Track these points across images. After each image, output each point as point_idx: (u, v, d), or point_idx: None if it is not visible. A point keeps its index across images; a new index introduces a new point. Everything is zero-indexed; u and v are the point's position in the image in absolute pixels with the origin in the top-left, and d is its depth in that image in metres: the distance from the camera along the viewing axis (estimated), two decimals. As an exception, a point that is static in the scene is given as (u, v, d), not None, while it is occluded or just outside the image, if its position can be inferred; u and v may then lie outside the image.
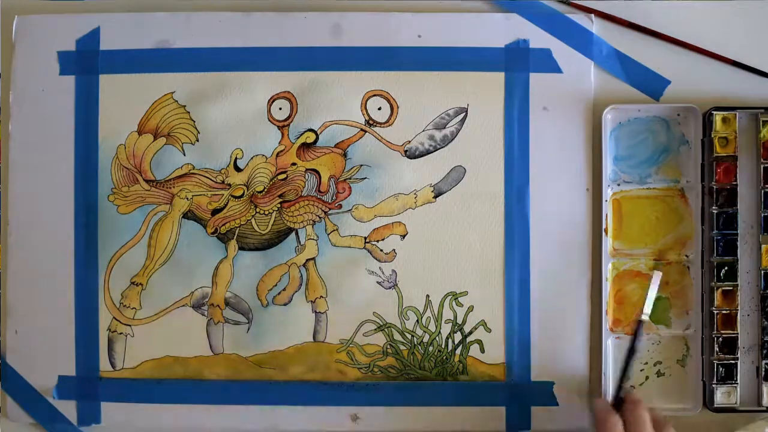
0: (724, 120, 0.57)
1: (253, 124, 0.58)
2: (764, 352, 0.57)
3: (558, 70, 0.58)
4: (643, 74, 0.58)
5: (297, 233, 0.58)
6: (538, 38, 0.58)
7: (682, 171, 0.58)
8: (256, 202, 0.59)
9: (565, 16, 0.58)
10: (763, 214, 0.57)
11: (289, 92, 0.59)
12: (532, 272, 0.57)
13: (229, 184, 0.59)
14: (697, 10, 0.59)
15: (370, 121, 0.58)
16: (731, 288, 0.57)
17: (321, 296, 0.58)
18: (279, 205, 0.59)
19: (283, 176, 0.59)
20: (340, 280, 0.58)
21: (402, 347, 0.58)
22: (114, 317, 0.59)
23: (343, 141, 0.58)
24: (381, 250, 0.58)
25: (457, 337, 0.58)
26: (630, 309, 0.58)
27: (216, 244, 0.59)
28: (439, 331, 0.58)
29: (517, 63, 0.58)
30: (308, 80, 0.58)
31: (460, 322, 0.58)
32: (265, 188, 0.59)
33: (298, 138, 0.59)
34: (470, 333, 0.58)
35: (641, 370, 0.58)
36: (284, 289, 0.58)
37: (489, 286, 0.57)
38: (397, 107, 0.58)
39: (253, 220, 0.59)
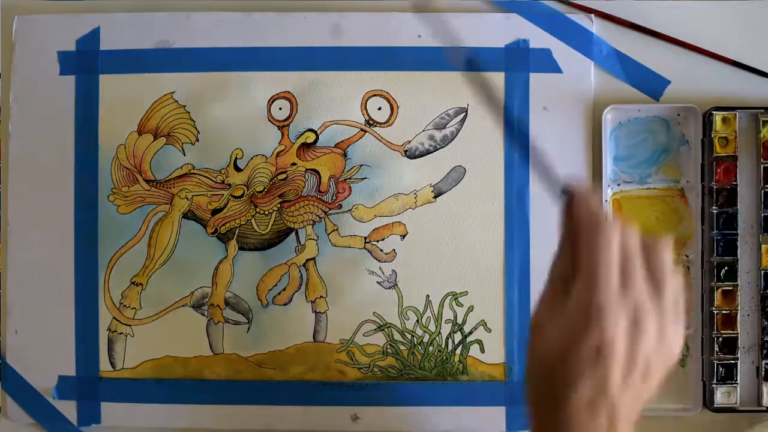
0: (724, 120, 0.57)
1: (253, 124, 0.58)
2: (764, 352, 0.57)
3: (558, 70, 0.58)
4: (643, 74, 0.58)
5: (297, 233, 0.58)
6: (538, 38, 0.58)
7: (682, 171, 0.58)
8: (256, 202, 0.59)
9: (565, 16, 0.58)
10: (763, 214, 0.57)
11: (289, 92, 0.59)
12: (532, 272, 0.57)
13: (229, 184, 0.59)
14: (697, 10, 0.59)
15: (370, 121, 0.58)
16: (731, 288, 0.57)
17: (321, 296, 0.58)
18: (279, 205, 0.59)
19: (283, 176, 0.59)
20: (340, 280, 0.58)
21: (402, 347, 0.58)
22: (114, 317, 0.59)
23: (343, 141, 0.58)
24: (381, 250, 0.58)
25: (457, 337, 0.58)
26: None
27: (216, 244, 0.59)
28: (439, 331, 0.58)
29: (517, 63, 0.58)
30: (308, 80, 0.58)
31: (460, 322, 0.58)
32: (265, 188, 0.59)
33: (298, 138, 0.59)
34: (470, 333, 0.58)
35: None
36: (284, 289, 0.58)
37: (489, 286, 0.57)
38: (397, 107, 0.58)
39: (253, 220, 0.59)
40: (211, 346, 0.58)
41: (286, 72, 0.58)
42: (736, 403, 0.56)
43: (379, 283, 0.58)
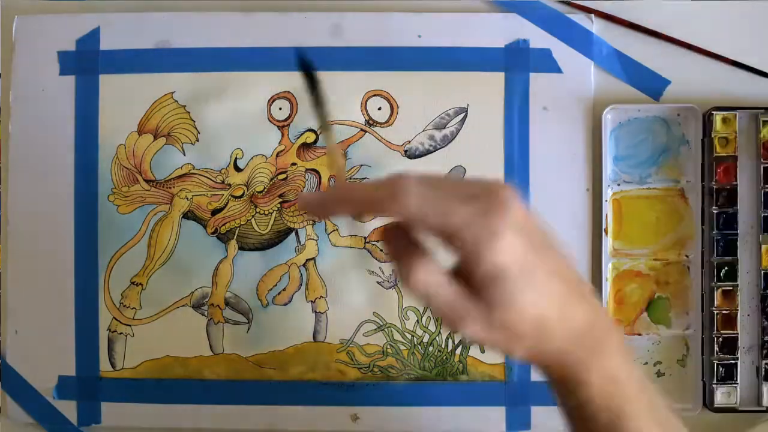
0: (724, 120, 0.57)
1: (253, 124, 0.58)
2: (764, 352, 0.57)
3: (558, 70, 0.58)
4: (643, 74, 0.58)
5: (297, 233, 0.58)
6: (538, 38, 0.58)
7: (682, 171, 0.58)
8: (256, 202, 0.59)
9: (565, 16, 0.58)
10: (763, 214, 0.57)
11: (289, 92, 0.59)
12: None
13: (229, 184, 0.59)
14: (697, 10, 0.59)
15: (370, 121, 0.58)
16: (731, 288, 0.57)
17: (321, 296, 0.58)
18: (279, 205, 0.59)
19: (283, 176, 0.59)
20: (340, 280, 0.58)
21: (402, 347, 0.58)
22: (114, 317, 0.59)
23: (343, 141, 0.58)
24: (381, 250, 0.58)
25: (457, 337, 0.58)
26: (630, 309, 0.58)
27: (216, 244, 0.59)
28: (439, 331, 0.58)
29: (517, 63, 0.58)
30: (308, 80, 0.58)
31: (460, 322, 0.58)
32: (265, 188, 0.59)
33: (298, 138, 0.59)
34: (470, 333, 0.58)
35: (641, 370, 0.58)
36: (284, 289, 0.58)
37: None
38: (397, 107, 0.58)
39: (253, 220, 0.59)
40: (211, 346, 0.58)
41: (286, 72, 0.58)
42: (736, 403, 0.56)
43: (379, 283, 0.58)
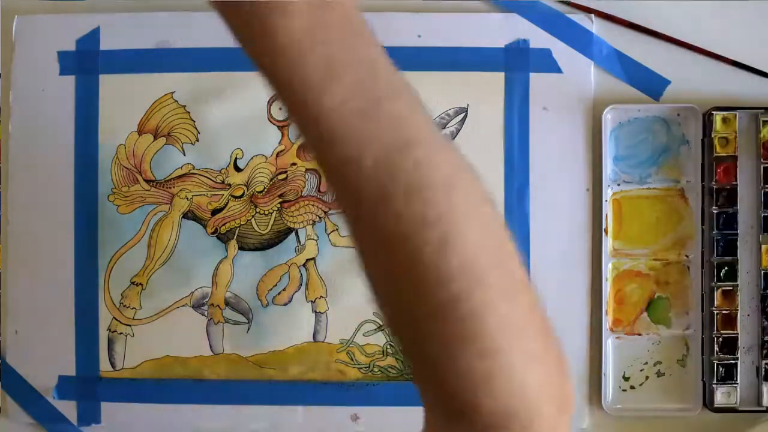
0: (724, 120, 0.57)
1: (253, 124, 0.58)
2: (764, 352, 0.57)
3: (558, 70, 0.58)
4: (643, 74, 0.58)
5: (297, 233, 0.58)
6: (538, 38, 0.58)
7: (682, 171, 0.58)
8: (256, 202, 0.59)
9: (565, 16, 0.58)
10: (763, 214, 0.57)
11: (289, 92, 0.58)
12: (532, 272, 0.57)
13: (229, 184, 0.59)
14: (697, 10, 0.58)
15: (370, 121, 0.58)
16: (731, 288, 0.57)
17: (321, 296, 0.58)
18: (279, 205, 0.59)
19: (283, 176, 0.59)
20: (340, 280, 0.58)
21: (402, 347, 0.58)
22: (114, 317, 0.59)
23: (343, 141, 0.58)
24: (381, 250, 0.58)
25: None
26: (630, 309, 0.58)
27: (216, 244, 0.59)
28: (439, 331, 0.58)
29: (517, 63, 0.58)
30: (308, 80, 0.58)
31: (460, 322, 0.58)
32: (265, 188, 0.59)
33: (299, 138, 0.58)
34: (470, 333, 0.58)
35: (641, 370, 0.58)
36: (284, 289, 0.58)
37: (489, 286, 0.57)
38: (397, 107, 0.58)
39: (253, 220, 0.59)
40: (211, 346, 0.58)
41: (286, 72, 0.58)
42: (736, 403, 0.56)
43: (379, 283, 0.58)
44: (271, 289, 0.58)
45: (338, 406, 0.58)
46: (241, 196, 0.59)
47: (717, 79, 0.58)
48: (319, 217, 0.58)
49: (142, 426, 0.58)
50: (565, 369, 0.31)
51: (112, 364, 0.59)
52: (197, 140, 0.59)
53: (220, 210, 0.59)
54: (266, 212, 0.59)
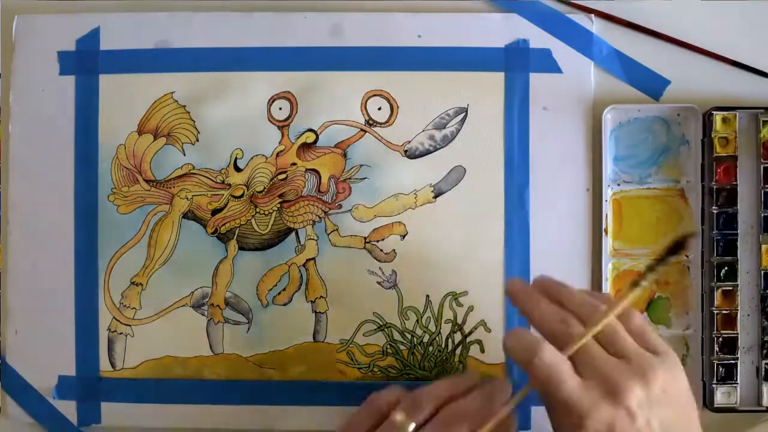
0: (724, 120, 0.57)
1: (253, 124, 0.59)
2: (764, 352, 0.57)
3: (558, 70, 0.58)
4: (643, 74, 0.58)
5: (297, 233, 0.58)
6: (538, 38, 0.58)
7: (682, 171, 0.58)
8: (256, 202, 0.59)
9: (565, 16, 0.58)
10: (763, 214, 0.57)
11: (289, 92, 0.59)
12: (532, 272, 0.57)
13: (229, 184, 0.59)
14: (697, 10, 0.59)
15: (370, 121, 0.58)
16: (731, 288, 0.57)
17: (321, 296, 0.58)
18: (279, 205, 0.59)
19: (283, 176, 0.59)
20: (340, 280, 0.58)
21: (402, 347, 0.58)
22: (114, 317, 0.59)
23: (343, 141, 0.58)
24: (381, 250, 0.58)
25: (457, 337, 0.58)
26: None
27: (216, 244, 0.59)
28: (439, 331, 0.58)
29: (517, 63, 0.58)
30: (308, 80, 0.58)
31: (460, 322, 0.58)
32: (265, 188, 0.59)
33: (298, 138, 0.59)
34: (470, 333, 0.58)
35: (641, 370, 0.57)
36: (284, 289, 0.58)
37: (489, 286, 0.57)
38: (397, 107, 0.58)
39: (253, 220, 0.59)
40: (211, 346, 0.58)
41: (286, 72, 0.58)
42: (736, 403, 0.56)
43: (379, 283, 0.58)
44: (271, 289, 0.58)
45: (338, 406, 0.58)
46: (241, 196, 0.59)
47: (717, 79, 0.58)
48: (319, 217, 0.58)
49: (142, 426, 0.59)
50: None
51: (112, 364, 0.59)
52: (197, 140, 0.59)
53: (220, 210, 0.59)
54: (266, 212, 0.59)
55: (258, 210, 0.59)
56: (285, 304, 0.58)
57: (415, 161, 0.58)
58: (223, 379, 0.58)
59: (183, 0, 0.60)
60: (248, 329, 0.58)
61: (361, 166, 0.58)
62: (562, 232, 0.57)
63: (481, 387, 0.45)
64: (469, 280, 0.58)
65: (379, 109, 0.58)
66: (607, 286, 0.57)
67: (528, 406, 0.57)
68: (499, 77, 0.58)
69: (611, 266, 0.58)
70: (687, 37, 0.58)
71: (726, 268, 0.57)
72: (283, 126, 0.59)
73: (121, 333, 0.59)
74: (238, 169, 0.59)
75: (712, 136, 0.57)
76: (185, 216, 0.59)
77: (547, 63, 0.58)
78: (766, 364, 0.57)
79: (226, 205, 0.59)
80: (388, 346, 0.58)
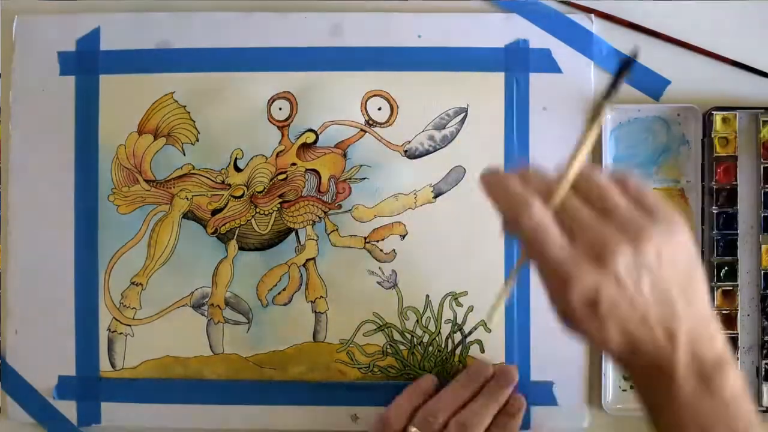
0: (724, 120, 0.57)
1: (253, 124, 0.59)
2: (764, 352, 0.57)
3: (558, 70, 0.58)
4: (643, 74, 0.58)
5: (297, 233, 0.58)
6: (538, 38, 0.58)
7: (682, 171, 0.58)
8: (256, 202, 0.59)
9: (565, 16, 0.58)
10: (763, 214, 0.57)
11: (289, 92, 0.59)
12: (532, 272, 0.57)
13: (229, 185, 0.59)
14: (697, 10, 0.59)
15: (370, 122, 0.58)
16: (731, 288, 0.57)
17: (321, 296, 0.58)
18: (279, 205, 0.59)
19: (283, 176, 0.59)
20: (340, 280, 0.58)
21: (402, 347, 0.58)
22: (114, 317, 0.59)
23: (343, 141, 0.58)
24: (381, 250, 0.58)
25: (457, 337, 0.58)
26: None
27: (216, 244, 0.59)
28: (439, 331, 0.58)
29: (517, 63, 0.58)
30: (308, 80, 0.58)
31: (460, 322, 0.58)
32: (265, 188, 0.59)
33: (298, 138, 0.59)
34: (470, 333, 0.58)
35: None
36: (284, 289, 0.58)
37: (489, 286, 0.57)
38: (397, 107, 0.58)
39: (253, 220, 0.59)
40: (211, 346, 0.58)
41: (286, 72, 0.58)
42: (736, 403, 0.56)
43: (379, 283, 0.58)
44: (271, 289, 0.58)
45: (338, 406, 0.58)
46: (241, 196, 0.59)
47: (717, 79, 0.58)
48: (319, 217, 0.58)
49: (142, 426, 0.59)
50: None
51: (112, 364, 0.59)
52: (197, 140, 0.59)
53: (220, 210, 0.59)
54: (266, 212, 0.59)
55: (258, 210, 0.59)
56: (285, 304, 0.58)
57: (415, 161, 0.58)
58: (223, 379, 0.58)
59: (183, 0, 0.60)
60: (248, 329, 0.58)
61: (361, 166, 0.58)
62: (562, 232, 0.57)
63: (467, 372, 0.52)
64: (469, 280, 0.58)
65: (379, 109, 0.58)
66: (607, 286, 0.57)
67: (528, 406, 0.57)
68: (499, 77, 0.58)
69: (611, 266, 0.57)
70: (687, 37, 0.58)
71: (726, 268, 0.57)
72: (283, 126, 0.59)
73: (121, 333, 0.59)
74: (238, 169, 0.59)
75: (712, 136, 0.57)
76: (185, 216, 0.59)
77: (547, 63, 0.58)
78: (766, 364, 0.57)
79: (226, 205, 0.59)
80: (388, 346, 0.58)
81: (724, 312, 0.56)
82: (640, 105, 0.58)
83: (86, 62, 0.59)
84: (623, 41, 0.58)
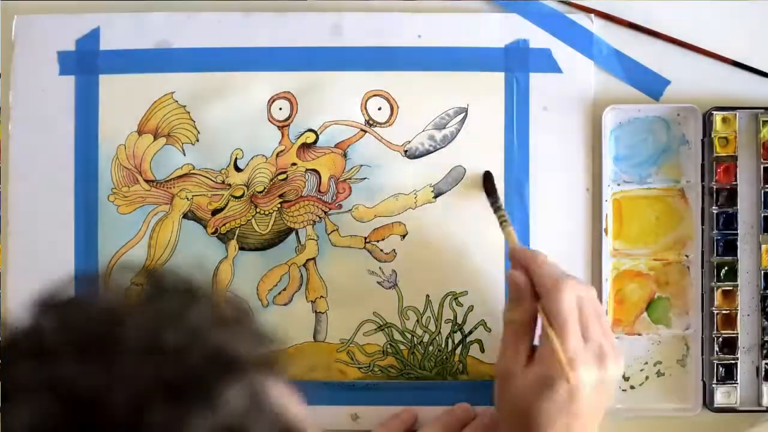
0: (724, 120, 0.57)
1: (253, 124, 0.58)
2: (764, 352, 0.57)
3: (558, 70, 0.58)
4: (643, 74, 0.58)
5: (297, 233, 0.58)
6: (538, 38, 0.58)
7: (682, 171, 0.58)
8: (256, 202, 0.59)
9: (565, 16, 0.58)
10: (763, 214, 0.57)
11: (289, 92, 0.59)
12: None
13: (229, 185, 0.59)
14: (697, 10, 0.58)
15: (370, 122, 0.58)
16: (731, 288, 0.57)
17: (321, 296, 0.58)
18: (279, 206, 0.59)
19: (283, 176, 0.59)
20: (340, 280, 0.58)
21: (402, 347, 0.58)
22: (114, 317, 0.59)
23: (343, 141, 0.58)
24: (381, 250, 0.58)
25: (457, 336, 0.58)
26: (630, 309, 0.58)
27: (216, 244, 0.59)
28: (439, 331, 0.58)
29: (517, 63, 0.58)
30: (308, 80, 0.58)
31: (460, 322, 0.58)
32: (265, 188, 0.59)
33: (298, 138, 0.59)
34: (470, 333, 0.58)
35: (641, 370, 0.58)
36: (284, 289, 0.58)
37: (489, 286, 0.57)
38: (397, 107, 0.58)
39: (253, 221, 0.59)
40: (211, 346, 0.58)
41: (286, 72, 0.58)
42: (736, 403, 0.56)
43: (379, 283, 0.58)
44: (271, 289, 0.58)
45: (338, 406, 0.58)
46: (241, 196, 0.59)
47: (717, 79, 0.58)
48: (319, 217, 0.58)
49: (142, 426, 0.58)
50: None
51: (112, 364, 0.58)
52: (197, 140, 0.59)
53: (221, 210, 0.59)
54: (266, 212, 0.59)
55: (258, 210, 0.59)
56: (285, 304, 0.58)
57: (415, 161, 0.58)
58: (223, 379, 0.58)
59: (183, 0, 0.60)
60: (248, 329, 0.58)
61: (361, 166, 0.58)
62: (562, 232, 0.57)
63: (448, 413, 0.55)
64: (469, 280, 0.58)
65: (379, 109, 0.58)
66: (607, 286, 0.57)
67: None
68: (499, 77, 0.58)
69: (611, 266, 0.58)
70: (687, 37, 0.58)
71: (726, 268, 0.57)
72: (283, 126, 0.59)
73: (121, 333, 0.58)
74: (238, 170, 0.59)
75: (712, 136, 0.57)
76: (185, 216, 0.59)
77: (547, 63, 0.58)
78: (766, 364, 0.57)
79: (226, 205, 0.59)
80: (389, 346, 0.58)
81: (724, 312, 0.56)
82: (640, 105, 0.58)
83: (86, 62, 0.59)
84: (623, 41, 0.58)
